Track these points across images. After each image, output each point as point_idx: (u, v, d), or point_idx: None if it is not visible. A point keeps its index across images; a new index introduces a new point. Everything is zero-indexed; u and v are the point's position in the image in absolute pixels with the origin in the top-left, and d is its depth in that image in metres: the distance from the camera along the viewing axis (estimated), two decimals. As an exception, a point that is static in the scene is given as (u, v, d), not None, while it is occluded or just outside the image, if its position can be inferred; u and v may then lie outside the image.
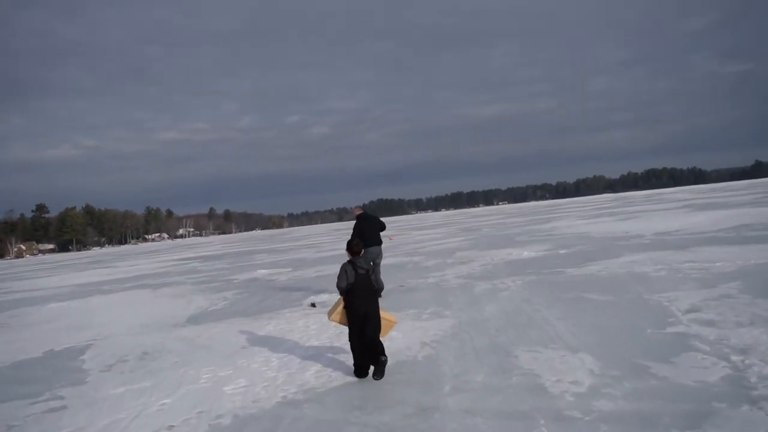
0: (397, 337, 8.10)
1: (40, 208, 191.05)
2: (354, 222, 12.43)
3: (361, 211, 12.38)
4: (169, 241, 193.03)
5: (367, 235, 12.12)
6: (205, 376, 7.07)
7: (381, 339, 6.66)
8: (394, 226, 74.34)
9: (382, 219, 12.61)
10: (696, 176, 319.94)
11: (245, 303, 13.53)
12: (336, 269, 7.29)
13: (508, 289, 11.59)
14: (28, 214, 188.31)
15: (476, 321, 8.79)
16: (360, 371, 6.58)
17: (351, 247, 6.94)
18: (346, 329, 6.86)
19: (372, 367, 6.53)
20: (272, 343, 8.56)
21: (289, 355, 7.71)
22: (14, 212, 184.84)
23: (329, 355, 7.58)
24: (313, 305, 11.93)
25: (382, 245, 12.43)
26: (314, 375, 6.73)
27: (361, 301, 6.56)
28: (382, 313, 6.87)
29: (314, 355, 7.63)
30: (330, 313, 6.98)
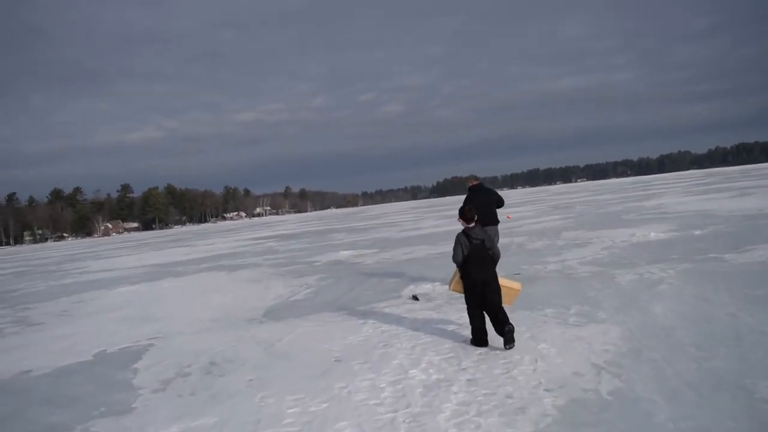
0: (550, 354, 5.81)
1: (125, 188, 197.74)
2: (465, 196, 10.16)
3: (476, 182, 10.07)
4: (247, 219, 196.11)
5: (480, 211, 9.81)
6: (291, 410, 4.99)
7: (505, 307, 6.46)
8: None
9: (497, 192, 10.22)
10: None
11: (331, 292, 11.50)
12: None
13: (663, 281, 9.06)
14: (114, 195, 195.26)
15: (652, 330, 6.37)
16: (480, 339, 6.41)
17: (463, 213, 6.66)
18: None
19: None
20: (375, 355, 6.43)
21: (404, 378, 5.55)
22: (101, 192, 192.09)
23: (461, 377, 5.38)
24: (415, 298, 9.76)
25: (499, 225, 10.09)
26: (450, 418, 4.53)
27: (477, 271, 6.39)
28: (504, 281, 6.88)
29: (439, 380, 5.43)
30: (450, 283, 7.20)
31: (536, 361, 5.64)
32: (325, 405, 5.02)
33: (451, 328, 7.41)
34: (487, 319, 6.46)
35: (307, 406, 5.05)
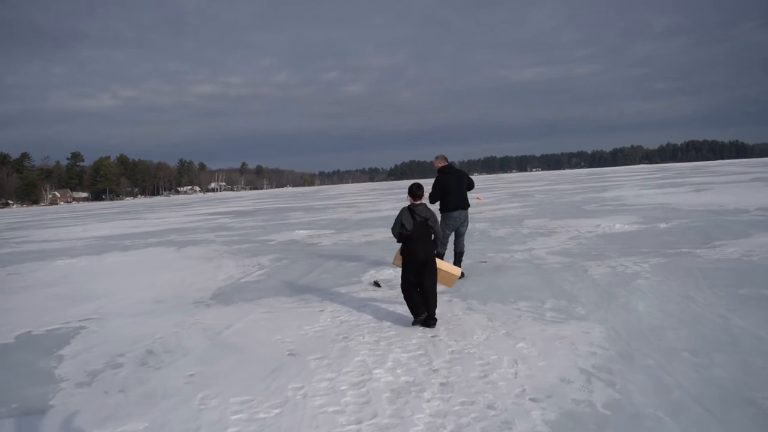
0: (531, 356, 5.21)
1: (75, 157, 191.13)
2: (424, 179, 9.51)
3: (445, 163, 9.41)
4: (201, 194, 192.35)
5: (451, 193, 9.19)
6: (236, 416, 4.26)
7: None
8: (430, 188, 71.24)
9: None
10: (738, 150, 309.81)
11: (286, 274, 10.74)
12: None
13: (639, 275, 8.59)
14: (64, 163, 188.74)
15: (639, 330, 5.84)
16: (418, 311, 6.37)
17: (411, 189, 6.57)
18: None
19: None
20: (335, 350, 5.74)
21: (368, 379, 4.87)
22: (50, 159, 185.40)
23: (433, 380, 4.73)
24: (377, 285, 9.09)
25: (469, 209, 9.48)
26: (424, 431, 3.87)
27: (421, 247, 6.41)
28: (443, 265, 7.01)
29: (409, 383, 4.77)
30: (394, 259, 7.24)
31: (516, 363, 5.03)
32: (277, 411, 4.30)
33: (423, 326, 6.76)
34: None
35: (255, 411, 4.32)
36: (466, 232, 9.58)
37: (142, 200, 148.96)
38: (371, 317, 7.02)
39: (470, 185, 9.48)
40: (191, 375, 5.23)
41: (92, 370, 5.60)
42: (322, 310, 7.54)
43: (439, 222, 9.53)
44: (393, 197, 47.65)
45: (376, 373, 4.97)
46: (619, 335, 5.69)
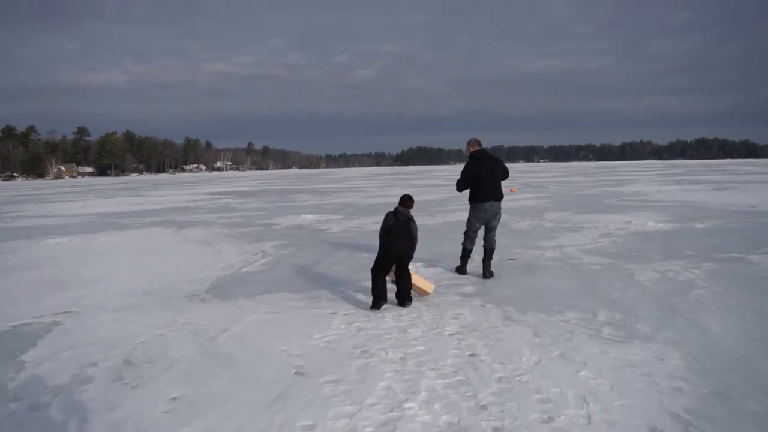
0: (601, 391, 4.13)
1: (82, 131, 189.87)
2: (464, 164, 8.42)
3: (479, 148, 8.32)
4: (207, 172, 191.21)
5: (484, 182, 8.11)
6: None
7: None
8: (437, 175, 69.86)
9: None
10: (748, 149, 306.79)
11: (292, 264, 9.69)
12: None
13: (695, 284, 7.50)
14: (70, 137, 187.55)
15: (725, 359, 4.76)
16: (378, 301, 6.60)
17: (402, 200, 6.93)
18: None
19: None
20: (352, 370, 4.68)
21: (399, 417, 3.82)
22: (56, 133, 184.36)
23: (484, 423, 3.67)
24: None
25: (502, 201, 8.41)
26: None
27: (396, 244, 6.67)
28: (417, 279, 7.06)
29: (452, 425, 3.71)
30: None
31: (586, 402, 3.97)
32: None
33: (449, 329, 5.71)
34: None
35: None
36: (498, 226, 8.52)
37: (146, 177, 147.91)
38: (393, 324, 5.97)
39: (505, 174, 8.40)
40: (174, 399, 4.18)
41: (55, 385, 4.55)
42: (335, 313, 6.49)
43: (468, 214, 8.49)
44: (401, 182, 46.50)
45: (408, 409, 3.91)
46: (703, 365, 4.62)
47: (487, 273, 8.20)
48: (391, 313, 6.44)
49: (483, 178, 8.11)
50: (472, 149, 8.28)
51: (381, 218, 7.06)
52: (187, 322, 6.24)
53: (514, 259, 9.71)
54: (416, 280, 7.05)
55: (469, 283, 7.93)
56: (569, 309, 6.39)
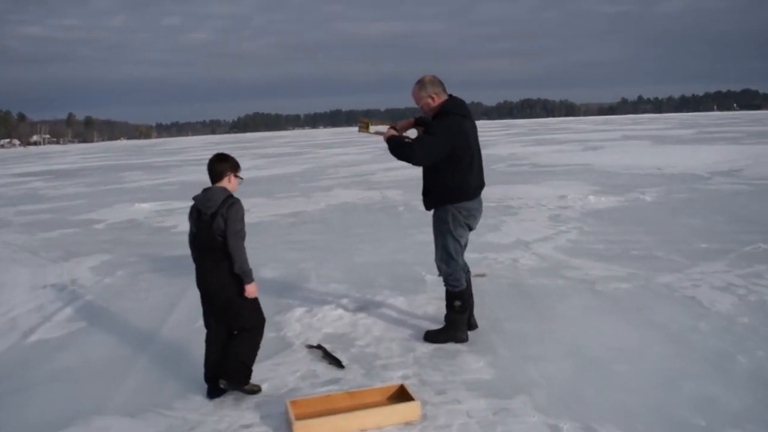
0: None
1: None
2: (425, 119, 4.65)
3: (446, 97, 4.58)
4: (21, 148, 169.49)
5: (474, 159, 4.57)
6: None
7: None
8: (278, 142, 64.67)
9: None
10: (567, 109, 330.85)
11: (120, 322, 5.59)
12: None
13: (715, 308, 4.54)
14: None
15: None
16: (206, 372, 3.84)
17: (210, 167, 3.98)
18: None
19: None
20: None
21: None
22: None
23: None
24: (324, 351, 4.34)
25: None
26: None
27: (200, 271, 3.92)
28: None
29: None
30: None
31: None
32: None
33: None
34: None
35: None
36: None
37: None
38: None
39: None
40: None
41: None
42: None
43: (440, 224, 4.85)
44: (246, 151, 41.17)
45: None
46: None
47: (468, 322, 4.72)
48: None
49: (472, 150, 4.55)
50: (437, 99, 4.54)
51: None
52: None
53: (485, 275, 6.30)
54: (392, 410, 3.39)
55: (473, 359, 4.39)
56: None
